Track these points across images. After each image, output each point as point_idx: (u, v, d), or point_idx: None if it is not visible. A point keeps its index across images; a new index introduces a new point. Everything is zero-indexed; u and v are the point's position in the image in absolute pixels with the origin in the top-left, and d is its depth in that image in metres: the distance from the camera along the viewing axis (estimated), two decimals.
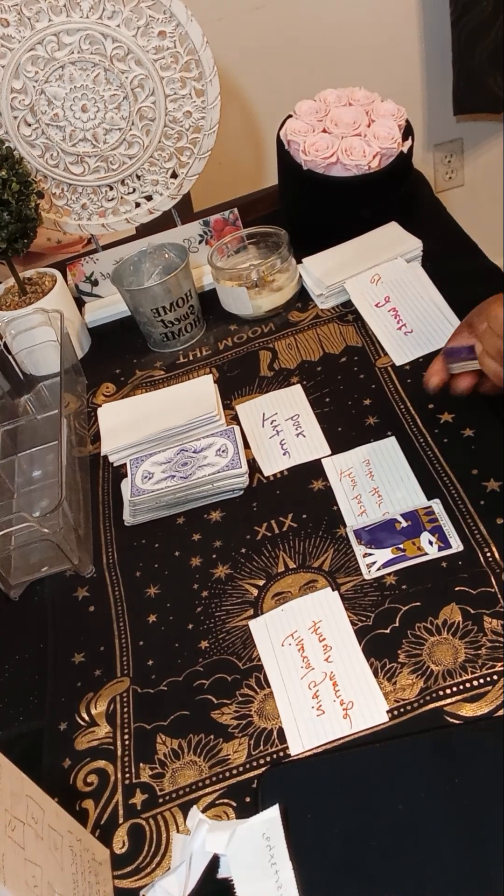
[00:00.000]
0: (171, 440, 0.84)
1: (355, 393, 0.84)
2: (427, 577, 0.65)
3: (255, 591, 0.69)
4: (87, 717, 0.65)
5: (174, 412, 0.85)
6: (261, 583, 0.70)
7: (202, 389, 0.88)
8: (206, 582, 0.71)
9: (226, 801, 0.57)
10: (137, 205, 1.02)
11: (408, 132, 0.99)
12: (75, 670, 0.68)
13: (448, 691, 0.57)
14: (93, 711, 0.65)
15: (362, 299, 0.93)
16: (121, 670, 0.67)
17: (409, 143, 0.99)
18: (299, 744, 0.58)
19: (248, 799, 0.56)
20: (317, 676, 0.61)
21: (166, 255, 1.00)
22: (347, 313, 0.95)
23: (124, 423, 0.87)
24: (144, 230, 1.06)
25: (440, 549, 0.66)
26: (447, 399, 0.70)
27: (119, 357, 1.02)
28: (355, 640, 0.62)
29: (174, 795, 0.58)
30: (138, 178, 1.00)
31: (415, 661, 0.60)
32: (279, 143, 1.02)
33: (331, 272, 0.96)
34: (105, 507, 0.82)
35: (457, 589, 0.63)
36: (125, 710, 0.64)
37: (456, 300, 0.88)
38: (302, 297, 1.00)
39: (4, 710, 0.67)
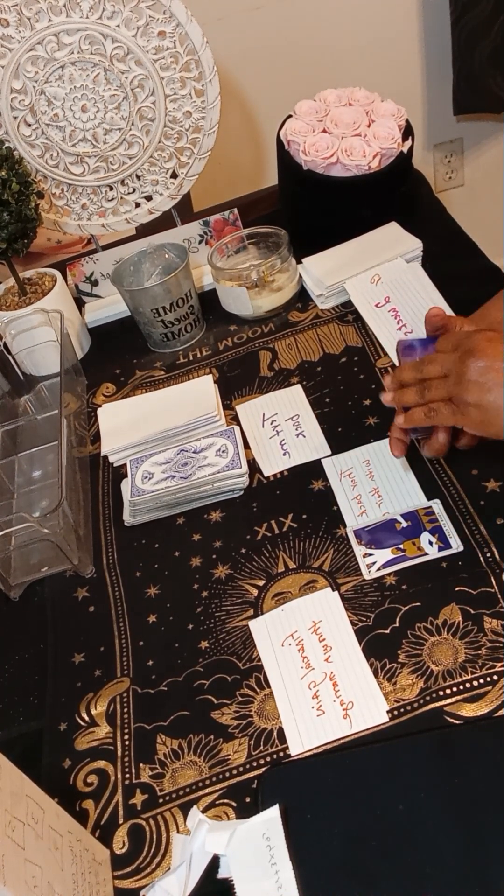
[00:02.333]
0: (172, 440, 0.84)
1: (355, 393, 0.84)
2: (427, 578, 0.65)
3: (255, 592, 0.69)
4: (87, 718, 0.64)
5: (174, 412, 0.85)
6: (261, 583, 0.69)
7: (202, 389, 0.88)
8: (206, 582, 0.71)
9: (226, 801, 0.57)
10: (137, 205, 1.02)
11: (408, 132, 0.99)
12: (75, 670, 0.68)
13: (448, 691, 0.57)
14: (93, 711, 0.65)
15: (362, 299, 0.93)
16: (121, 670, 0.67)
17: (409, 143, 0.99)
18: (299, 744, 0.58)
19: (248, 799, 0.56)
20: (317, 676, 0.61)
21: (166, 255, 0.99)
22: (347, 313, 0.95)
23: (124, 423, 0.87)
24: (144, 230, 1.06)
25: (440, 549, 0.66)
26: None
27: (119, 357, 1.02)
28: (355, 640, 0.62)
29: (174, 796, 0.58)
30: (138, 178, 1.00)
31: (415, 662, 0.60)
32: (279, 143, 1.02)
33: (331, 272, 0.96)
34: (105, 507, 0.82)
35: (457, 589, 0.63)
36: (125, 710, 0.64)
37: (456, 300, 0.88)
38: (302, 298, 1.00)
39: (4, 710, 0.67)
